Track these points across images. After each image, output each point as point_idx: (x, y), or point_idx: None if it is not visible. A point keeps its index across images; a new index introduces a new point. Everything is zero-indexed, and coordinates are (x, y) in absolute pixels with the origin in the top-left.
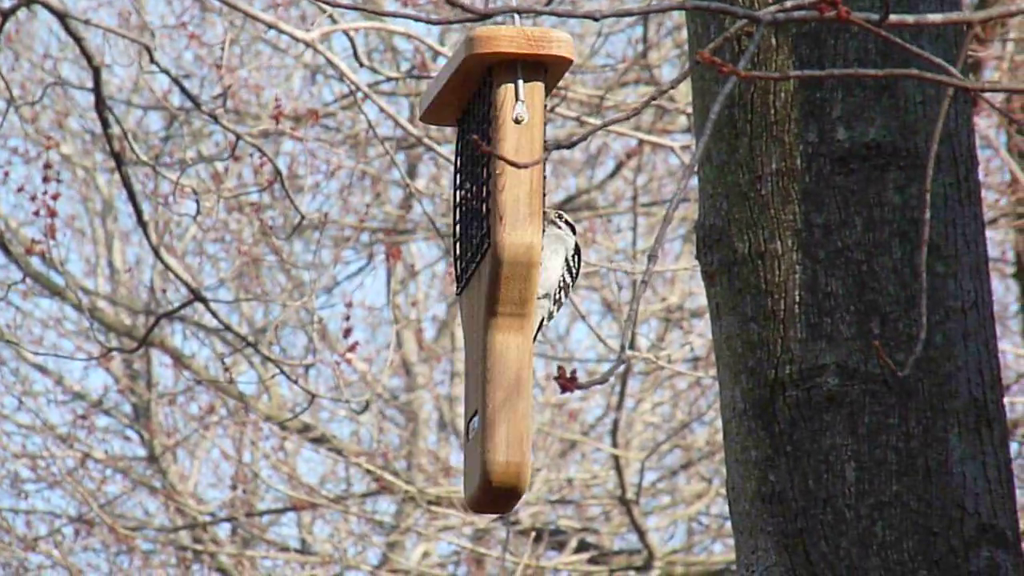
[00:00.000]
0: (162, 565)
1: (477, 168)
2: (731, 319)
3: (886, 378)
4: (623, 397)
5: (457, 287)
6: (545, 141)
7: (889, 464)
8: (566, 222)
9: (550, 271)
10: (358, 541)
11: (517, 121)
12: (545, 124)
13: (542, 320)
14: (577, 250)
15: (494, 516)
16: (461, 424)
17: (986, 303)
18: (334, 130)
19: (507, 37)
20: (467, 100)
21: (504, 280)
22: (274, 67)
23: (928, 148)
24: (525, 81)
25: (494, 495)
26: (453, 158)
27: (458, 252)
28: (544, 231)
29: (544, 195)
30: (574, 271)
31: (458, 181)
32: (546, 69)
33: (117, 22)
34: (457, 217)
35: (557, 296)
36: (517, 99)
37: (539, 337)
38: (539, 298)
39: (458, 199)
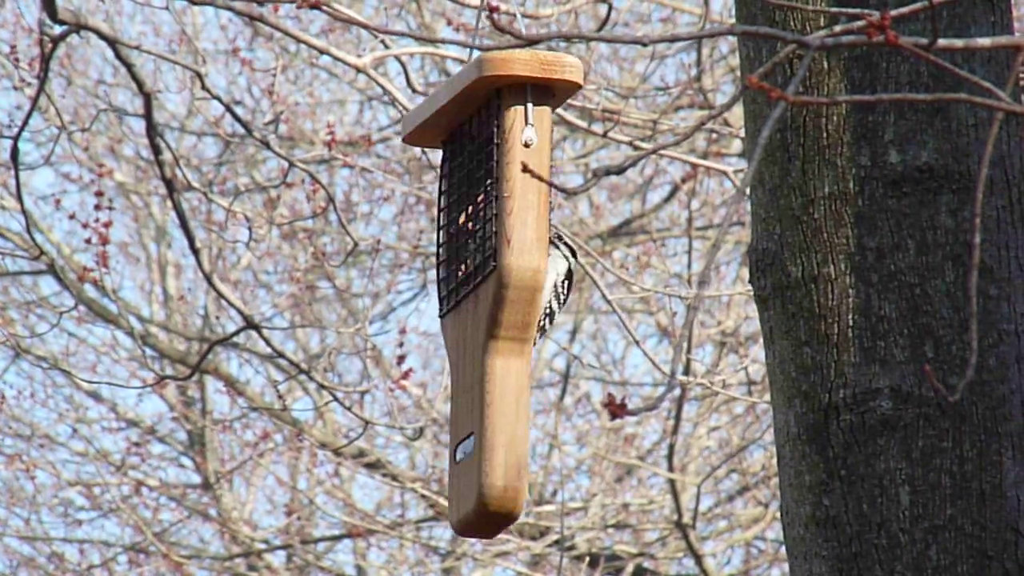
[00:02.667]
0: None
1: (474, 190)
2: (784, 343)
3: (940, 402)
4: (679, 422)
5: (440, 310)
6: (553, 165)
7: (943, 488)
8: (565, 244)
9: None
10: (414, 567)
11: (526, 145)
12: (552, 148)
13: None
14: (569, 275)
15: (554, 541)
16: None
17: None
18: (388, 158)
19: (521, 60)
20: (458, 123)
21: (508, 304)
22: (327, 92)
23: (980, 171)
24: (535, 105)
25: (488, 519)
26: (440, 179)
27: (443, 275)
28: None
29: (549, 220)
30: (562, 298)
31: (443, 203)
32: (553, 93)
33: (168, 48)
34: (442, 239)
35: (541, 323)
36: (527, 123)
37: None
38: None
39: (443, 221)
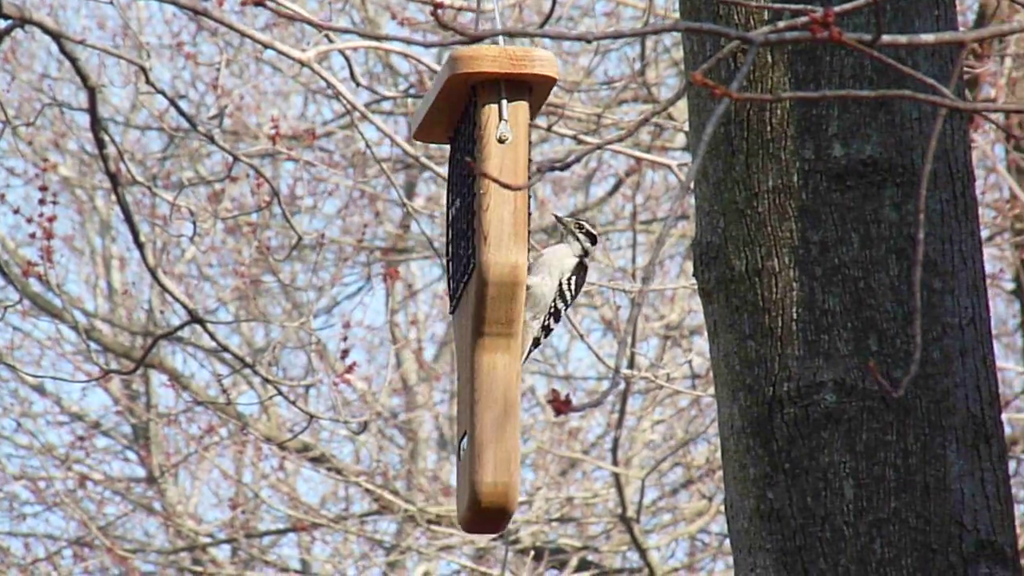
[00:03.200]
0: None
1: (465, 187)
2: (728, 337)
3: (884, 395)
4: (623, 416)
5: (450, 306)
6: (531, 160)
7: (887, 481)
8: (586, 233)
9: (545, 295)
10: (358, 561)
11: (501, 141)
12: (530, 143)
13: (535, 342)
14: (577, 270)
15: (489, 536)
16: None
17: (984, 319)
18: (332, 152)
19: (489, 57)
20: (457, 118)
21: (490, 300)
22: (272, 87)
23: (924, 165)
24: (509, 101)
25: (484, 516)
26: (447, 176)
27: (451, 271)
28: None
29: (530, 215)
30: (569, 295)
31: (450, 200)
32: (530, 88)
33: (113, 42)
34: (450, 236)
35: (546, 322)
36: (500, 119)
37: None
38: (531, 320)
39: (450, 218)
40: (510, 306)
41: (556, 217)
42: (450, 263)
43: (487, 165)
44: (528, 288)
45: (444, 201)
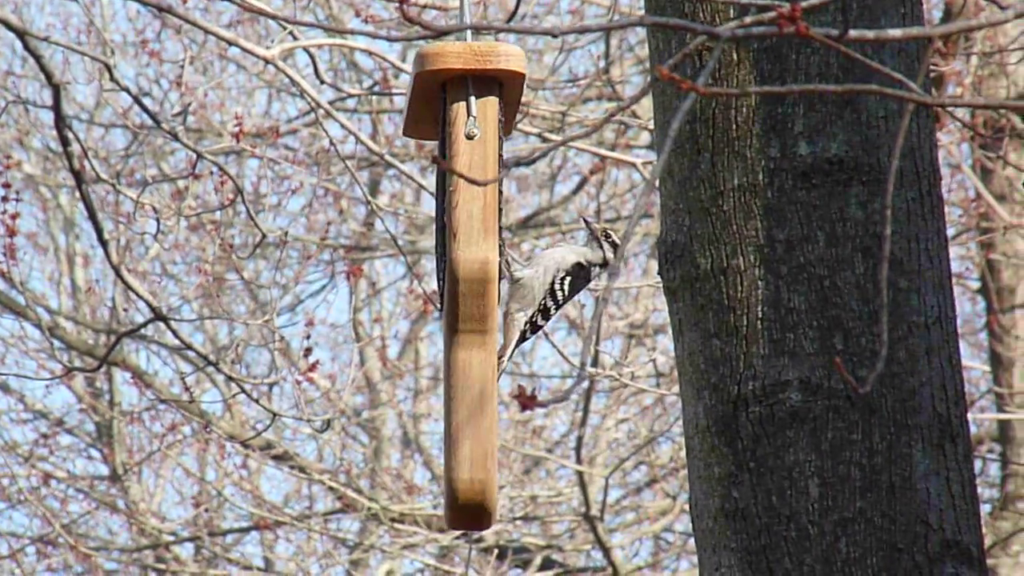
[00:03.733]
0: None
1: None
2: (694, 335)
3: (849, 394)
4: (587, 414)
5: (440, 304)
6: (502, 156)
7: (853, 480)
8: (611, 242)
9: (535, 289)
10: (322, 559)
11: (469, 137)
12: (501, 139)
13: (521, 336)
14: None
15: (462, 533)
16: (424, 441)
17: (949, 318)
18: (296, 149)
19: (454, 53)
20: (439, 115)
21: (461, 297)
22: (237, 85)
23: (890, 163)
24: (477, 96)
25: (463, 512)
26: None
27: (439, 271)
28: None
29: (501, 211)
30: (560, 295)
31: (439, 199)
32: (500, 84)
33: (77, 39)
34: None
35: (534, 318)
36: (469, 115)
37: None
38: (516, 312)
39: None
40: (482, 302)
41: (585, 221)
42: (439, 262)
43: (456, 162)
44: (519, 280)
45: (411, 199)
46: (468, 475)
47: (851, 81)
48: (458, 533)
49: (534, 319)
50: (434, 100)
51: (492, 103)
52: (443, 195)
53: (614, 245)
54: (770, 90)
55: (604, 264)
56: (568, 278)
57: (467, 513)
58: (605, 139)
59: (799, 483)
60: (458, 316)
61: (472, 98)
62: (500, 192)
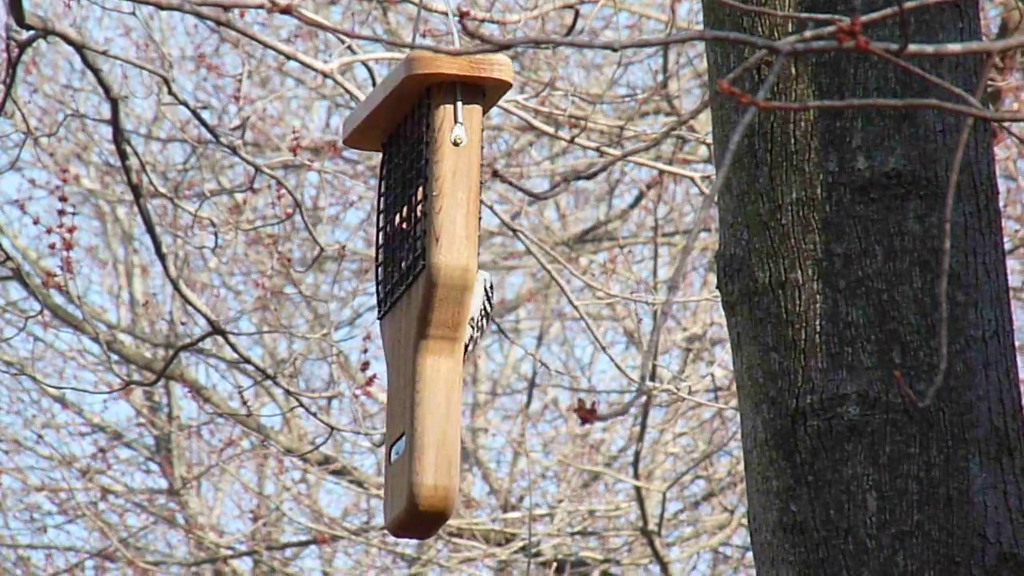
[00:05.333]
0: None
1: (408, 190)
2: (752, 349)
3: (907, 407)
4: (644, 428)
5: (379, 311)
6: (483, 164)
7: (910, 494)
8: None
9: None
10: (380, 574)
11: (455, 143)
12: (483, 147)
13: (466, 347)
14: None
15: (520, 547)
16: (482, 455)
17: (1007, 332)
18: (356, 162)
19: (449, 59)
20: (396, 123)
21: (438, 302)
22: (296, 99)
23: (948, 177)
24: (464, 103)
25: (420, 519)
26: (380, 181)
27: (381, 276)
28: None
29: (480, 219)
30: (487, 305)
31: (382, 205)
32: (484, 92)
33: (136, 53)
34: (380, 241)
35: (481, 322)
36: (456, 121)
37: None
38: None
39: (382, 223)
40: (457, 310)
41: None
42: (380, 268)
43: (440, 167)
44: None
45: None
46: (432, 481)
47: (909, 95)
48: (518, 547)
49: (480, 324)
50: (397, 108)
51: (477, 111)
52: (404, 199)
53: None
54: (829, 104)
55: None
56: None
57: (424, 520)
58: (663, 153)
59: (857, 496)
60: (430, 321)
61: (460, 103)
62: (480, 203)
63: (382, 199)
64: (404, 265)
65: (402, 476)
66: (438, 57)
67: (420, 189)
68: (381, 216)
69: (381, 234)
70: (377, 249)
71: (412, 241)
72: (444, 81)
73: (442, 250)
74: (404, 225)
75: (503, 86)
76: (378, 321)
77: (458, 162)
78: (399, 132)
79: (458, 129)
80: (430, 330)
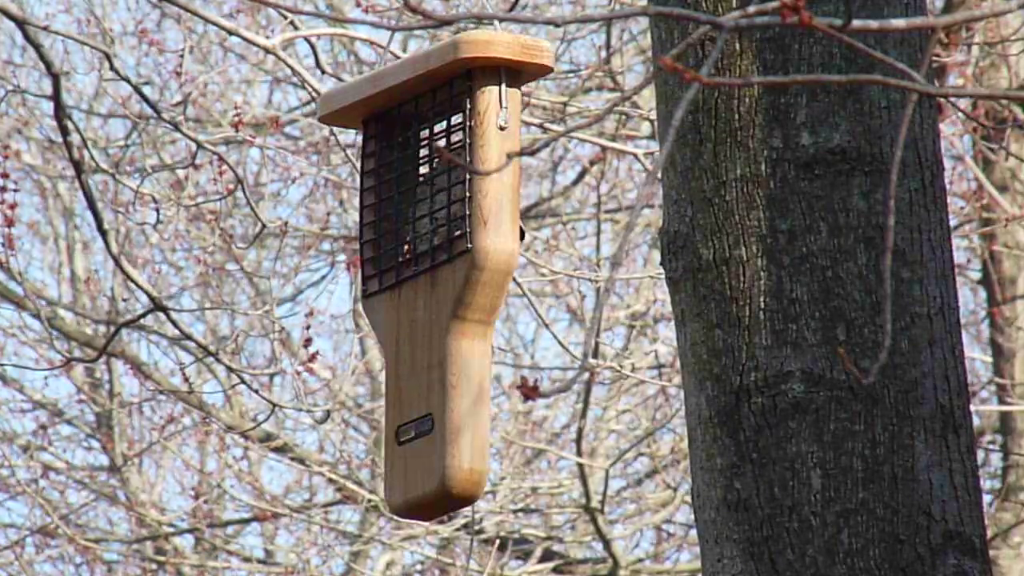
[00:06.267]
0: None
1: (422, 171)
2: (696, 326)
3: (852, 385)
4: (587, 405)
5: (366, 289)
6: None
7: (855, 471)
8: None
9: None
10: (322, 551)
11: (502, 128)
12: (519, 130)
13: None
14: None
15: (463, 525)
16: None
17: (952, 309)
18: (297, 139)
19: (504, 43)
20: (394, 102)
21: (481, 286)
22: (238, 75)
23: (893, 153)
24: (507, 87)
25: (448, 501)
26: (360, 161)
27: (370, 254)
28: None
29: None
30: None
31: (368, 183)
32: (521, 77)
33: (77, 28)
34: (369, 219)
35: None
36: (501, 106)
37: (497, 346)
38: None
39: (371, 200)
40: (497, 294)
41: None
42: (367, 246)
43: (487, 151)
44: None
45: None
46: (468, 465)
47: (854, 71)
48: (460, 524)
49: None
50: (408, 88)
51: (517, 95)
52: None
53: (521, 230)
54: (773, 80)
55: None
56: None
57: (452, 503)
58: (606, 129)
59: (801, 474)
60: (469, 304)
61: (504, 87)
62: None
63: (368, 177)
64: (424, 246)
65: (426, 459)
66: (493, 40)
67: (449, 171)
68: (367, 194)
69: (369, 212)
70: (362, 227)
71: (442, 222)
72: (489, 65)
73: (490, 234)
74: (416, 206)
75: (543, 71)
76: (362, 299)
77: (503, 146)
78: (400, 111)
79: (503, 113)
80: (468, 313)
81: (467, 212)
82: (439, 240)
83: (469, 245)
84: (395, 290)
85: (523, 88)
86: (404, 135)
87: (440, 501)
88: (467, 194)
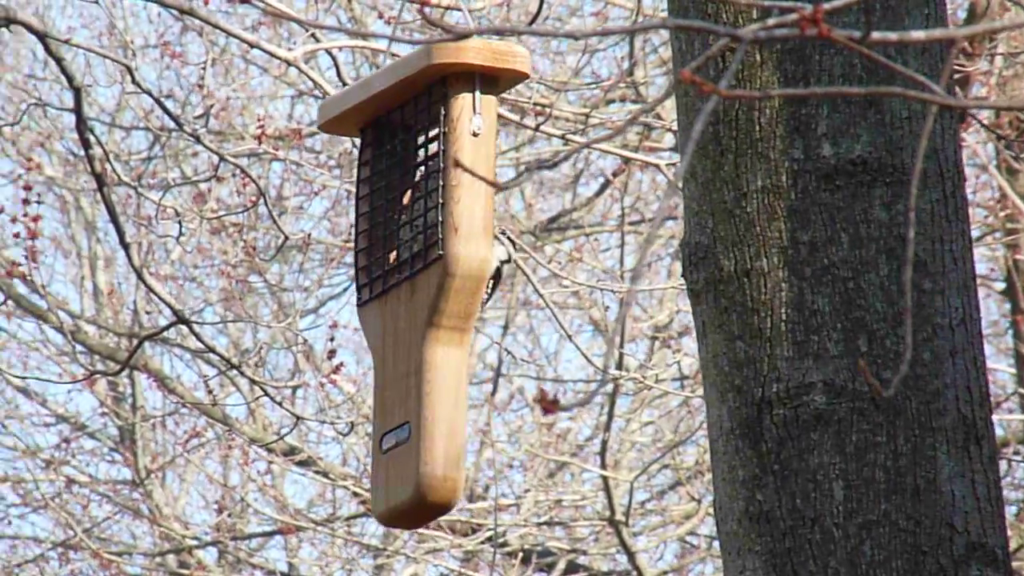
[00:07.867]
0: None
1: (408, 178)
2: (717, 337)
3: (874, 396)
4: (611, 417)
5: (360, 298)
6: (496, 155)
7: (877, 483)
8: (509, 239)
9: None
10: (345, 564)
11: (475, 134)
12: (496, 137)
13: None
14: (496, 275)
15: (487, 538)
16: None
17: (974, 320)
18: (319, 152)
19: (474, 49)
20: (383, 110)
21: (453, 292)
22: (260, 88)
23: (914, 164)
24: (482, 94)
25: (425, 509)
26: (356, 170)
27: (363, 263)
28: None
29: (494, 211)
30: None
31: (363, 192)
32: (498, 83)
33: (98, 42)
34: (362, 227)
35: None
36: (475, 112)
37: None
38: None
39: (364, 209)
40: (471, 300)
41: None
42: (361, 255)
43: (460, 157)
44: None
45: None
46: (442, 472)
47: (875, 82)
48: (484, 537)
49: None
50: (396, 95)
51: (493, 101)
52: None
53: (510, 239)
54: (793, 92)
55: (508, 260)
56: (492, 281)
57: (429, 511)
58: (629, 141)
59: (823, 486)
60: (443, 311)
61: (478, 93)
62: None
63: (362, 185)
64: (404, 253)
65: (405, 466)
66: (463, 47)
67: (428, 178)
68: (362, 202)
69: (363, 220)
70: (357, 235)
71: (419, 230)
72: (463, 71)
73: (461, 240)
74: (402, 213)
75: (520, 77)
76: (356, 308)
77: (476, 153)
78: (389, 119)
79: (476, 120)
80: (442, 320)
81: (439, 219)
82: (417, 248)
83: (441, 252)
84: (383, 298)
85: (541, 98)
86: (392, 143)
87: (417, 509)
88: (440, 201)
